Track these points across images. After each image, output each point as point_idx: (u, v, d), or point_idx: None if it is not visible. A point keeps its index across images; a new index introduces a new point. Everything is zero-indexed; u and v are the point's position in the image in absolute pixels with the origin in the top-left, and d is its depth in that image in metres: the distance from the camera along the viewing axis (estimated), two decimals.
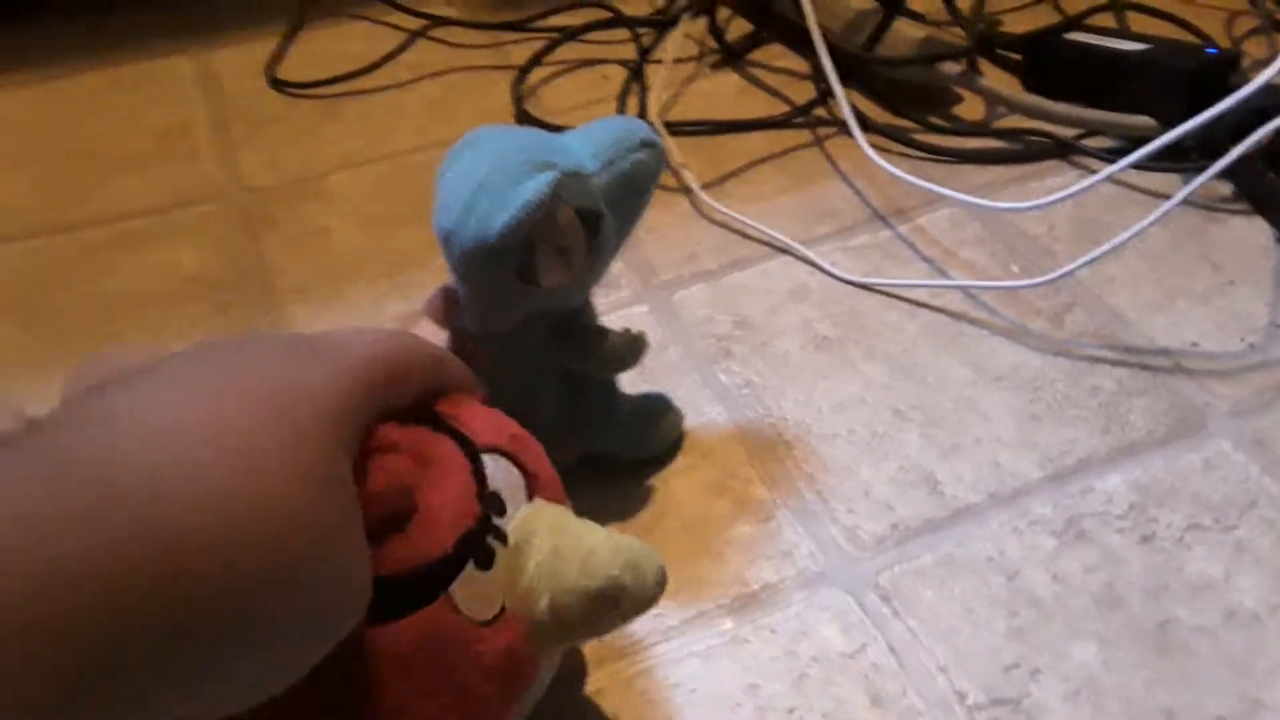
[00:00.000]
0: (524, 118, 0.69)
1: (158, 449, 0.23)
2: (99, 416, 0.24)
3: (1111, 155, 0.59)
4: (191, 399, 0.24)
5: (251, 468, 0.23)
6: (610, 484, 0.45)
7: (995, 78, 0.69)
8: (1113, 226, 0.56)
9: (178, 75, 0.76)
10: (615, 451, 0.46)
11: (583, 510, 0.36)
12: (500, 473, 0.33)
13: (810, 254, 0.57)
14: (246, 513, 0.23)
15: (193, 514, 0.22)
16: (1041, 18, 0.74)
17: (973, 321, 0.53)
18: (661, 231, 0.60)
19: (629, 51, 0.71)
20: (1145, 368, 0.50)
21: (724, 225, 0.60)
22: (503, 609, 0.31)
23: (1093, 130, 0.64)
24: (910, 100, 0.68)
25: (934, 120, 0.67)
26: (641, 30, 0.71)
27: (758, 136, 0.67)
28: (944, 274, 0.56)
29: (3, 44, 0.79)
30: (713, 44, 0.75)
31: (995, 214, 0.59)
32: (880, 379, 0.50)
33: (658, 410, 0.47)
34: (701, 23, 0.75)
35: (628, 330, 0.42)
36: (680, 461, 0.47)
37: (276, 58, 0.76)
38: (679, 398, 0.48)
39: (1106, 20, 0.72)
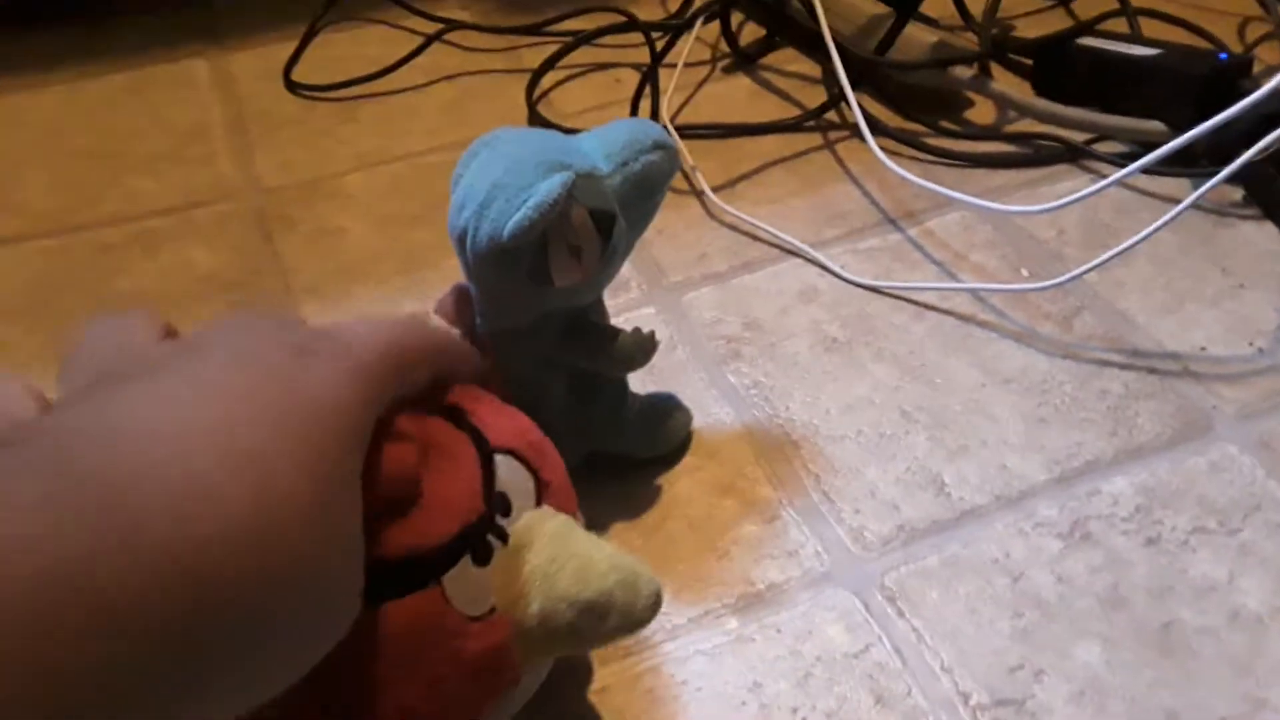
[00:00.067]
0: (537, 121, 0.69)
1: (162, 455, 0.23)
2: (101, 418, 0.23)
3: (1122, 160, 0.59)
4: (196, 402, 0.24)
5: (258, 474, 0.23)
6: (617, 483, 0.46)
7: (1007, 82, 0.69)
8: (1122, 231, 0.56)
9: (195, 77, 0.77)
10: (623, 450, 0.46)
11: (590, 509, 0.37)
12: (511, 474, 0.33)
13: (820, 256, 0.57)
14: (254, 520, 0.23)
15: (199, 522, 0.22)
16: (1054, 23, 0.74)
17: (982, 324, 0.53)
18: (671, 233, 0.60)
19: (642, 55, 0.72)
20: (1153, 371, 0.50)
21: (734, 227, 0.60)
22: (493, 609, 0.31)
23: (1103, 135, 0.64)
24: (922, 104, 0.68)
25: (945, 124, 0.67)
26: (655, 34, 0.71)
27: (769, 140, 0.67)
28: (953, 277, 0.56)
29: (20, 46, 0.80)
30: (725, 48, 0.76)
31: (1005, 217, 0.59)
32: (889, 381, 0.50)
33: (666, 410, 0.47)
34: (714, 27, 0.76)
35: (638, 329, 0.43)
36: (688, 461, 0.47)
37: (293, 61, 0.76)
38: (687, 398, 0.48)
39: (1119, 26, 0.72)
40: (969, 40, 0.70)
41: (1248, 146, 0.49)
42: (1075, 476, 0.45)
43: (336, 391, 0.27)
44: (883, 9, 0.69)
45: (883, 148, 0.59)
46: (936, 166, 0.64)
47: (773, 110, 0.70)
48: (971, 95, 0.69)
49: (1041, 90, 0.69)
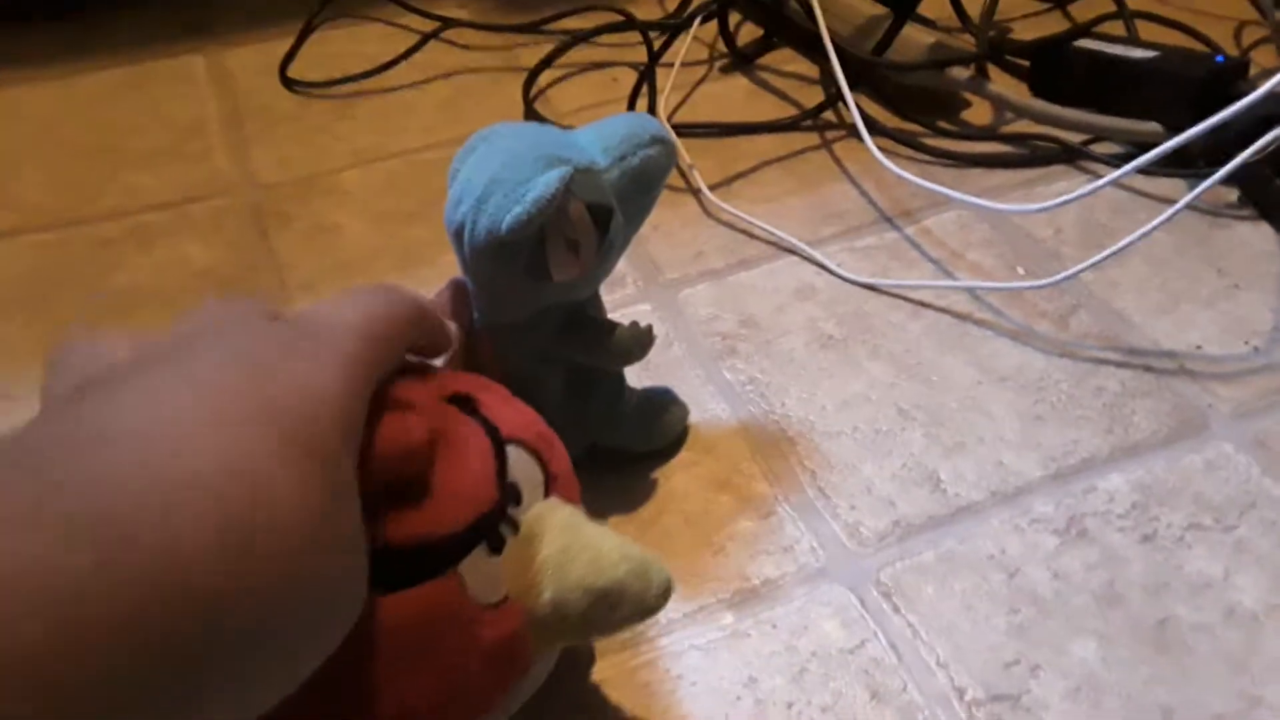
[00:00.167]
0: (533, 119, 0.69)
1: (149, 459, 0.22)
2: (85, 424, 0.23)
3: (1118, 160, 0.59)
4: (180, 404, 0.23)
5: (249, 477, 0.23)
6: (614, 477, 0.46)
7: (1004, 84, 0.69)
8: (1119, 230, 0.56)
9: (192, 73, 0.77)
10: (620, 444, 0.46)
11: (586, 502, 0.37)
12: (522, 465, 0.33)
13: (817, 254, 0.57)
14: (252, 527, 0.22)
15: (192, 529, 0.21)
16: (1051, 25, 0.75)
17: (978, 322, 0.53)
18: (668, 230, 0.60)
19: (640, 54, 0.72)
20: (1149, 370, 0.50)
21: (731, 225, 0.60)
22: (506, 597, 0.31)
23: (1100, 136, 0.64)
24: (919, 105, 0.68)
25: (942, 125, 0.67)
26: (652, 34, 0.71)
27: (766, 139, 0.67)
28: (950, 275, 0.56)
29: (17, 41, 0.80)
30: (723, 48, 0.76)
31: (1002, 216, 0.59)
32: (885, 378, 0.50)
33: (663, 404, 0.47)
34: (712, 27, 0.76)
35: (635, 324, 0.43)
36: (684, 456, 0.47)
37: (290, 57, 0.76)
38: (683, 394, 0.48)
39: (1116, 28, 0.72)
40: (966, 42, 0.70)
41: (1244, 148, 0.49)
42: (1071, 473, 0.46)
43: (322, 383, 0.26)
44: (880, 10, 0.69)
45: (880, 147, 0.59)
46: (933, 166, 0.64)
47: (770, 110, 0.70)
48: (968, 96, 0.69)
49: (1038, 91, 0.69)
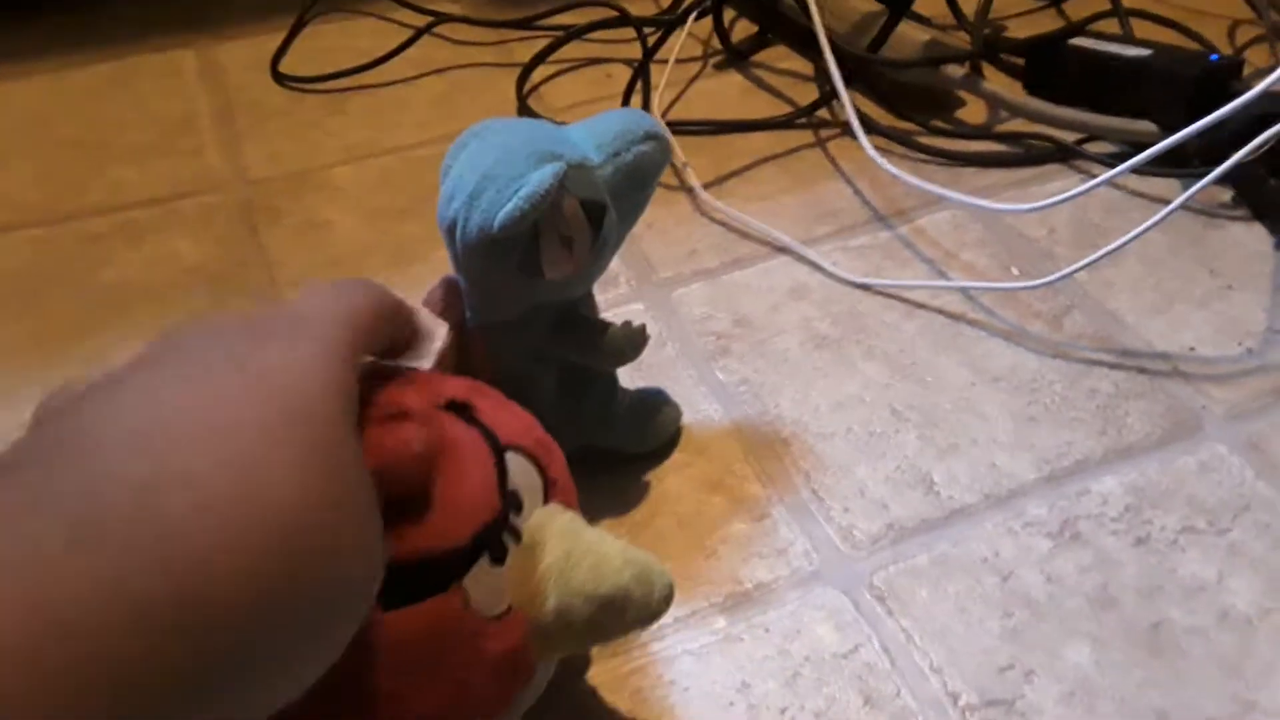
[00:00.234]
0: (527, 115, 0.69)
1: (150, 465, 0.22)
2: (81, 434, 0.22)
3: (1112, 160, 0.59)
4: (179, 404, 0.23)
5: (256, 469, 0.22)
6: (606, 478, 0.45)
7: (998, 82, 0.69)
8: (1112, 230, 0.56)
9: (182, 67, 0.76)
10: (613, 445, 0.46)
11: (579, 504, 0.36)
12: (521, 471, 0.33)
13: (810, 254, 0.57)
14: (260, 519, 0.22)
15: (203, 533, 0.21)
16: (1045, 23, 0.74)
17: (972, 323, 0.53)
18: (661, 229, 0.60)
19: (633, 51, 0.71)
20: (1143, 371, 0.50)
21: (724, 224, 0.60)
22: (509, 607, 0.31)
23: (1094, 135, 0.64)
24: (913, 103, 0.68)
25: (937, 123, 0.67)
26: (647, 30, 0.71)
27: (760, 136, 0.67)
28: (944, 275, 0.56)
29: (7, 36, 0.79)
30: (717, 44, 0.75)
31: (996, 216, 0.59)
32: (879, 379, 0.50)
33: (655, 405, 0.47)
34: (707, 23, 0.75)
35: (628, 323, 0.43)
36: (676, 457, 0.47)
37: (281, 52, 0.76)
38: (676, 394, 0.48)
39: (1110, 26, 0.72)
40: (961, 39, 0.69)
41: (1238, 147, 0.49)
42: (1065, 476, 0.45)
43: (319, 367, 0.25)
44: (876, 7, 0.69)
45: (874, 146, 0.59)
46: (928, 165, 0.64)
47: (764, 107, 0.70)
48: (963, 94, 0.69)
49: (1033, 90, 0.69)
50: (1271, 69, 0.47)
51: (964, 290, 0.55)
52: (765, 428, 0.48)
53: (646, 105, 0.68)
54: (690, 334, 0.53)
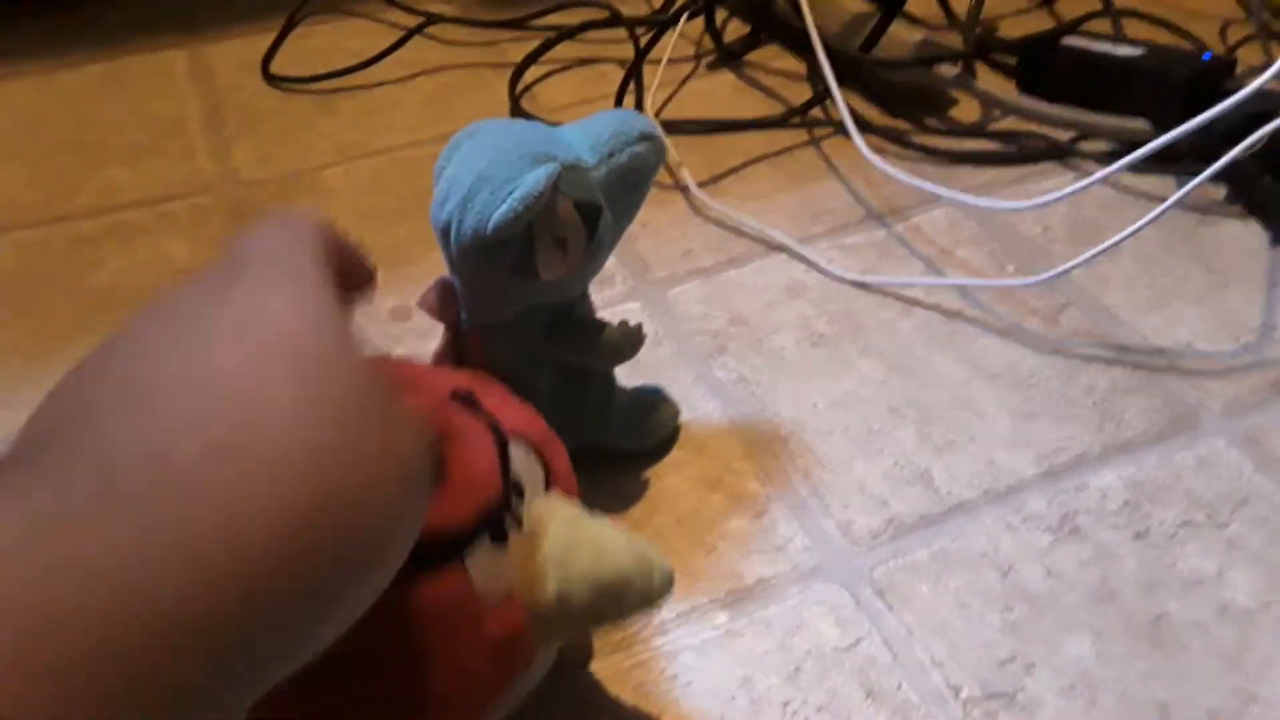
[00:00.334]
0: (520, 115, 0.69)
1: (151, 422, 0.21)
2: (82, 406, 0.22)
3: (1107, 158, 0.59)
4: (172, 358, 0.22)
5: (261, 407, 0.21)
6: (605, 477, 0.45)
7: (990, 81, 0.69)
8: (1108, 227, 0.56)
9: (173, 68, 0.76)
10: (611, 444, 0.46)
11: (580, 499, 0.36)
12: (523, 461, 0.33)
13: (806, 252, 0.57)
14: (278, 455, 0.21)
15: (219, 479, 0.20)
16: (1037, 23, 0.75)
17: (968, 320, 0.53)
18: (656, 228, 0.60)
19: (626, 51, 0.71)
20: (1139, 367, 0.50)
21: (720, 223, 0.60)
22: (510, 592, 0.31)
23: (1088, 133, 0.64)
24: (906, 102, 0.68)
25: (930, 122, 0.67)
26: (639, 30, 0.71)
27: (754, 136, 0.67)
28: (940, 273, 0.56)
29: None
30: (710, 44, 0.75)
31: (991, 214, 0.59)
32: (876, 376, 0.50)
33: (653, 403, 0.47)
34: (699, 23, 0.75)
35: (625, 322, 0.42)
36: (675, 455, 0.47)
37: (272, 52, 0.76)
38: (673, 393, 0.48)
39: (1102, 26, 0.72)
40: (953, 39, 0.70)
41: (1231, 145, 0.49)
42: (1063, 471, 0.45)
43: (296, 309, 0.24)
44: (868, 7, 0.69)
45: (868, 145, 0.59)
46: (922, 163, 0.64)
47: (757, 107, 0.70)
48: (956, 93, 0.69)
49: (1025, 89, 0.69)
50: (1263, 68, 0.48)
51: (960, 287, 0.55)
52: (763, 425, 0.48)
53: (639, 105, 0.68)
54: (687, 333, 0.53)
